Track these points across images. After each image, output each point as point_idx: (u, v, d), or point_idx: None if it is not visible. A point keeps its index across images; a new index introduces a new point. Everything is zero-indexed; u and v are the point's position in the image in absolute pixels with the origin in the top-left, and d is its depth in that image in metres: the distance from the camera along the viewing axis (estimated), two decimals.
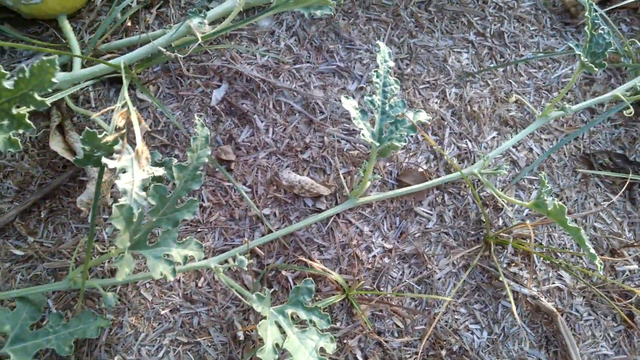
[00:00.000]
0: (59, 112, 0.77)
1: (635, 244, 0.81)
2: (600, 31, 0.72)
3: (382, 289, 0.76)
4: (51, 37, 0.82)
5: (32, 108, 0.51)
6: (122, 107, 0.60)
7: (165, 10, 0.86)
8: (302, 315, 0.65)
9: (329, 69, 0.85)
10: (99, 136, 0.55)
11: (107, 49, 0.81)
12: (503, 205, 0.81)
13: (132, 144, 0.56)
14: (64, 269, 0.72)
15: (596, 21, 0.72)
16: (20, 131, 0.53)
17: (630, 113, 0.74)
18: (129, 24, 0.84)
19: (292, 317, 0.65)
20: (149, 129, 0.79)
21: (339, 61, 0.86)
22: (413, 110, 0.70)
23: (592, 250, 0.62)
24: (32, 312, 0.67)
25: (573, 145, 0.87)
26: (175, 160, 0.62)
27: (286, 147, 0.81)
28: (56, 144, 0.73)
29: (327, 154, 0.81)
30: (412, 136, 0.82)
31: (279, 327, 0.64)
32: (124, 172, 0.57)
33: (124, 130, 0.57)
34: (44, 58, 0.48)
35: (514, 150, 0.85)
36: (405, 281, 0.77)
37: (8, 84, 0.49)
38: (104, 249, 0.73)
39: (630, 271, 0.81)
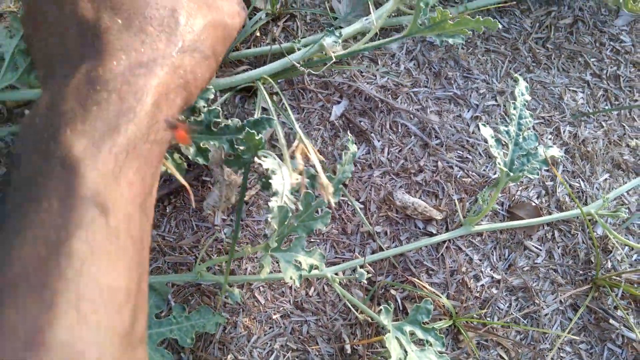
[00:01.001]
0: None
1: None
2: None
3: (488, 319, 0.76)
4: None
5: None
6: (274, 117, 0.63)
7: (290, 24, 0.89)
8: (419, 334, 0.66)
9: (446, 95, 0.87)
10: (257, 137, 0.57)
11: (237, 57, 0.85)
12: (613, 248, 0.81)
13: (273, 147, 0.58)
14: (183, 263, 0.75)
15: None
16: None
17: None
18: (258, 34, 0.87)
19: (412, 334, 0.66)
20: (270, 138, 0.82)
21: (455, 88, 0.87)
22: (544, 145, 0.71)
23: None
24: (157, 301, 0.69)
25: None
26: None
27: (400, 167, 0.82)
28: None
29: (440, 178, 0.82)
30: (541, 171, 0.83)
31: (399, 343, 0.65)
32: (274, 173, 0.59)
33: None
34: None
35: (625, 193, 0.85)
36: (511, 314, 0.77)
37: None
38: (219, 249, 0.76)
39: None
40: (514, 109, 0.70)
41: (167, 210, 0.77)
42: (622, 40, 0.94)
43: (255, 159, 0.58)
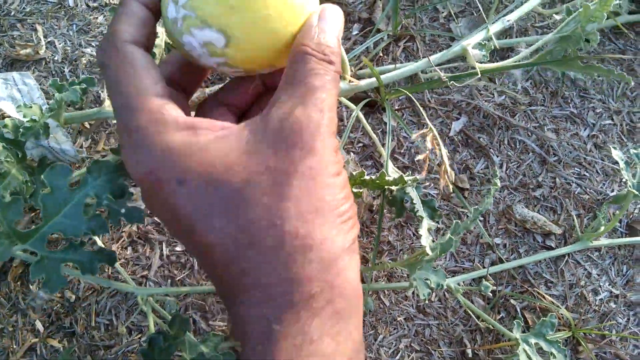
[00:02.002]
0: None
1: None
2: None
3: (606, 331, 0.78)
4: None
5: None
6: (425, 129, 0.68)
7: (410, 44, 0.95)
8: (544, 346, 0.70)
9: (563, 114, 0.90)
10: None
11: (361, 75, 0.91)
12: None
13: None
14: None
15: None
16: None
17: None
18: (381, 54, 0.93)
19: (538, 346, 0.69)
20: (392, 151, 0.87)
21: (572, 107, 0.90)
22: None
23: None
24: None
25: None
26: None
27: (519, 183, 0.85)
28: None
29: (558, 194, 0.85)
30: None
31: (526, 354, 0.68)
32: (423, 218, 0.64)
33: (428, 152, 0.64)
34: None
35: None
36: (630, 328, 0.79)
37: None
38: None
39: None
40: None
41: None
42: None
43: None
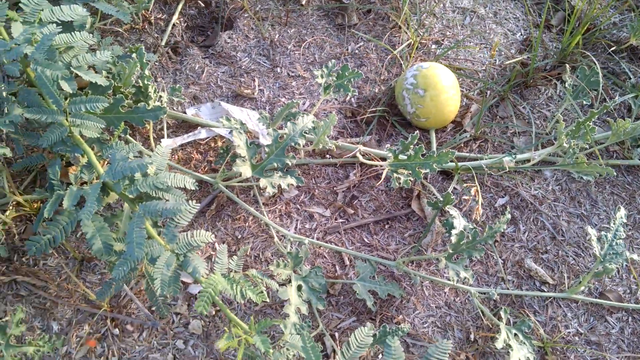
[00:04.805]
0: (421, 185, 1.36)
1: None
2: None
3: (566, 354, 1.16)
4: (419, 139, 1.44)
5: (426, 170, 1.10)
6: (472, 187, 1.16)
7: (483, 144, 1.43)
8: (520, 336, 1.10)
9: (575, 212, 1.32)
10: (452, 197, 1.10)
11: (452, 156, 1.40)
12: None
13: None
14: (388, 259, 1.27)
15: None
16: (412, 179, 1.11)
17: None
18: (462, 145, 1.42)
19: (516, 335, 1.09)
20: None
21: (583, 210, 1.33)
22: (630, 251, 1.13)
23: None
24: (372, 270, 1.22)
25: None
26: (470, 225, 1.14)
27: (533, 247, 1.28)
28: (415, 205, 1.32)
29: (558, 260, 1.26)
30: (622, 267, 1.23)
31: (508, 337, 1.09)
32: (454, 218, 1.10)
33: (475, 198, 1.11)
34: (444, 150, 1.06)
35: None
36: (586, 357, 1.16)
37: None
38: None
39: None
40: (614, 224, 1.14)
41: (386, 227, 1.32)
42: None
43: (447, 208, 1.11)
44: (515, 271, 1.26)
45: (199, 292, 1.02)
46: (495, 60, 1.57)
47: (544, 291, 1.22)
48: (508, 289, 1.23)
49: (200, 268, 0.96)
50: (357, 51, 1.62)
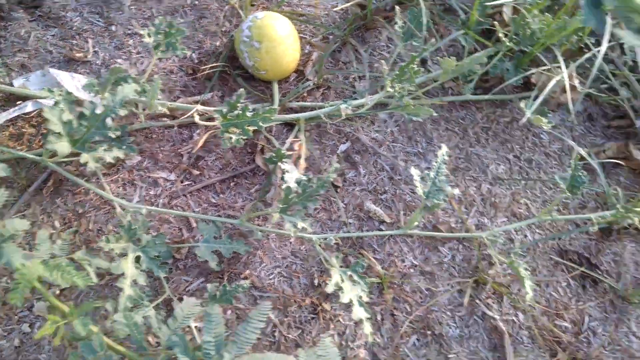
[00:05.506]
0: (262, 137, 1.36)
1: (572, 306, 1.23)
2: (580, 173, 1.19)
3: (403, 286, 1.25)
4: (263, 91, 1.43)
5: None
6: (296, 139, 1.18)
7: (327, 92, 1.45)
8: (354, 277, 1.16)
9: (413, 151, 1.38)
10: (283, 151, 1.11)
11: (289, 105, 1.41)
12: (495, 262, 1.27)
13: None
14: (234, 216, 1.29)
15: (580, 171, 1.19)
16: (243, 137, 1.12)
17: (595, 230, 1.19)
18: (305, 94, 1.43)
19: (350, 276, 1.16)
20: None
21: (420, 148, 1.39)
22: (452, 187, 1.21)
23: (527, 282, 1.08)
24: (216, 230, 1.23)
25: (556, 242, 1.32)
26: (304, 178, 1.17)
27: (373, 188, 1.34)
28: (260, 160, 1.32)
29: (395, 199, 1.33)
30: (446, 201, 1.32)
31: (341, 279, 1.15)
32: (288, 172, 1.13)
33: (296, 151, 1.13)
34: (270, 107, 1.07)
35: (514, 233, 1.32)
36: (420, 286, 1.25)
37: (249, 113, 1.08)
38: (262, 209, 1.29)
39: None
40: (436, 162, 1.20)
41: (231, 184, 1.32)
42: (542, 137, 1.43)
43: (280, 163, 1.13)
44: (356, 214, 1.31)
45: (13, 283, 1.00)
46: (337, 3, 1.56)
47: (382, 230, 1.29)
48: (349, 232, 1.29)
49: (14, 259, 0.93)
50: (197, 2, 1.56)
